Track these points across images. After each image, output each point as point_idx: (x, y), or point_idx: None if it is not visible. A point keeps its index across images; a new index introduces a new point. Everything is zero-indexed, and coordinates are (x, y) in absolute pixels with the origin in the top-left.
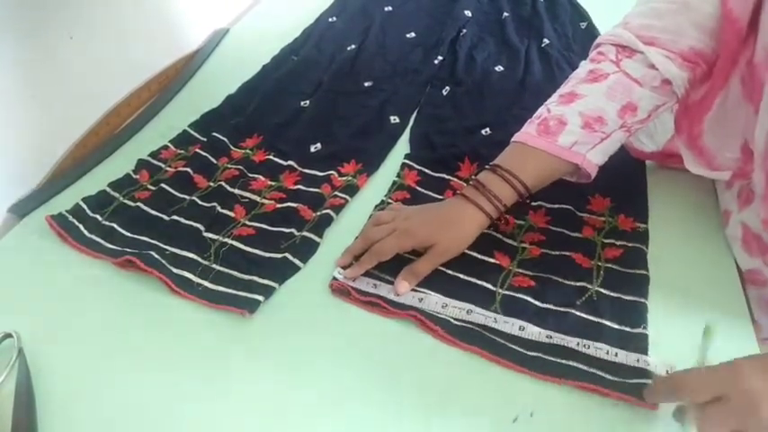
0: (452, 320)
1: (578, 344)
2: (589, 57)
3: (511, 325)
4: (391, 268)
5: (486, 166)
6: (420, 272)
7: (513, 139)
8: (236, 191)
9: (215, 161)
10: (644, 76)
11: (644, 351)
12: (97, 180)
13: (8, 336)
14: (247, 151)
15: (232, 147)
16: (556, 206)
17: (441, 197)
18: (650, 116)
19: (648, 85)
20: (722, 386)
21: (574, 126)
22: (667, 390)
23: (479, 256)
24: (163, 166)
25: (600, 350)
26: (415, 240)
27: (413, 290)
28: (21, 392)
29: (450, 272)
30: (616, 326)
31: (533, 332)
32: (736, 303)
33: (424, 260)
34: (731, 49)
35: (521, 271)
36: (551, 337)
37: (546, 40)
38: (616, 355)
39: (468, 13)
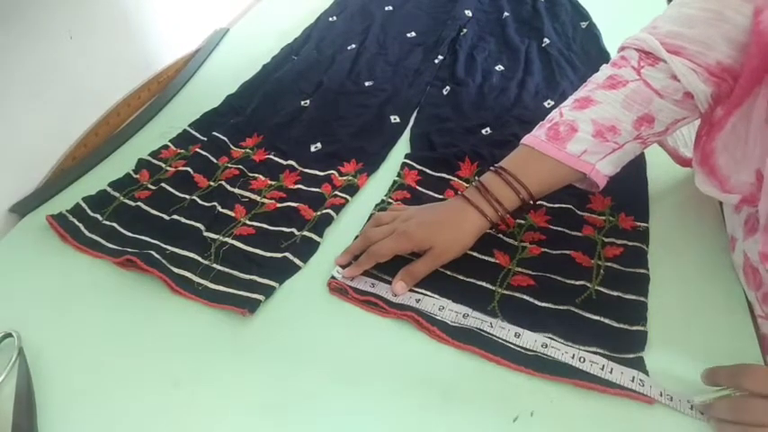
0: (449, 322)
1: (573, 356)
2: (611, 60)
3: (507, 331)
4: (390, 268)
5: (491, 168)
6: (417, 273)
7: (521, 141)
8: (237, 190)
9: (215, 161)
10: (665, 87)
11: (641, 349)
12: (97, 180)
13: (8, 336)
14: (247, 151)
15: (232, 146)
16: (556, 205)
17: (441, 197)
18: (668, 129)
19: (670, 98)
20: None
21: (585, 134)
22: (729, 373)
23: (479, 256)
24: (163, 165)
25: (595, 365)
26: (413, 242)
27: (410, 290)
28: (21, 392)
29: (448, 272)
30: (615, 324)
31: (529, 340)
32: (737, 303)
33: (422, 262)
34: (755, 65)
35: (520, 270)
36: (546, 346)
37: (546, 40)
38: (611, 371)
39: (468, 12)
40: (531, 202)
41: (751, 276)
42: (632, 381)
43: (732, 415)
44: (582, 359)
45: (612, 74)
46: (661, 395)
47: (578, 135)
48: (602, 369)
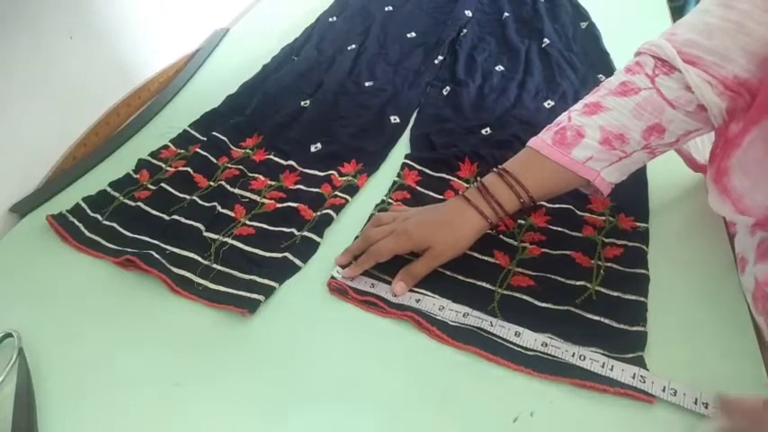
0: (449, 322)
1: (574, 355)
2: (626, 65)
3: (507, 330)
4: (390, 268)
5: (494, 169)
6: (417, 273)
7: (527, 144)
8: (237, 190)
9: (215, 161)
10: (679, 98)
11: (641, 348)
12: (97, 180)
13: (8, 336)
14: (247, 151)
15: (232, 146)
16: (556, 206)
17: (441, 197)
18: (679, 140)
19: (682, 109)
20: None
21: (591, 140)
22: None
23: (479, 256)
24: (163, 165)
25: (596, 362)
26: (412, 242)
27: (410, 290)
28: (21, 392)
29: (448, 273)
30: (615, 324)
31: (529, 339)
32: (736, 303)
33: (421, 262)
34: None
35: (520, 270)
36: (546, 345)
37: (546, 40)
38: (612, 368)
39: (468, 13)
40: (532, 204)
41: (760, 303)
42: (633, 378)
43: (748, 421)
44: (582, 357)
45: (625, 80)
46: (664, 390)
47: (585, 141)
48: (603, 366)
